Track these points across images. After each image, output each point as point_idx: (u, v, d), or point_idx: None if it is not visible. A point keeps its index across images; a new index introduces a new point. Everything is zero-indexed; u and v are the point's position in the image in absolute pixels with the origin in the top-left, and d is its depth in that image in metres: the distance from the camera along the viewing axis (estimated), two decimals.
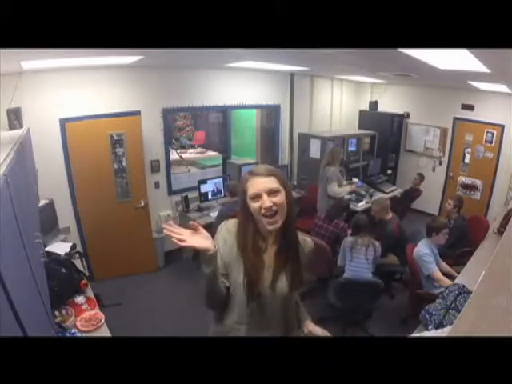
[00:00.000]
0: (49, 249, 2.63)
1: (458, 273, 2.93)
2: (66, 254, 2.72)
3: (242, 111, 5.82)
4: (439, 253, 3.11)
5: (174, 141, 6.44)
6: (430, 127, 5.98)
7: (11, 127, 2.80)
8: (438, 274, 2.85)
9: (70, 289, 2.42)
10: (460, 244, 3.69)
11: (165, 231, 1.10)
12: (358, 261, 3.09)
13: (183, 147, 6.75)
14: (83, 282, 2.53)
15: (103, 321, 2.22)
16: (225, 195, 4.47)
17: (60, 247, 2.82)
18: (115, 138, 3.76)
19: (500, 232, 3.48)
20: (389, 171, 6.20)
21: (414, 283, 3.10)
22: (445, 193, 5.92)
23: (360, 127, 6.38)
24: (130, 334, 2.88)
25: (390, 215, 3.75)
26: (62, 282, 2.33)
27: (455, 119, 5.67)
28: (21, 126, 2.85)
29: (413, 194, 5.26)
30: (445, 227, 3.04)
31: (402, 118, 6.23)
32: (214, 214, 4.19)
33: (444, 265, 3.11)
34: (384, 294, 3.58)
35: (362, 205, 4.83)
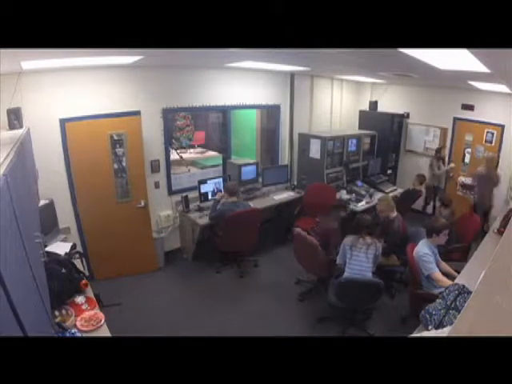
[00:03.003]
0: (49, 249, 2.63)
1: (457, 272, 2.93)
2: (66, 253, 2.72)
3: (242, 111, 5.81)
4: None
5: (173, 141, 6.43)
6: (430, 127, 5.98)
7: (11, 127, 2.79)
8: (438, 275, 2.85)
9: (70, 289, 2.42)
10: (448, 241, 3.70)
11: None
12: (358, 259, 3.09)
13: (183, 147, 6.74)
14: (83, 282, 2.53)
15: (103, 321, 2.22)
16: (218, 191, 4.47)
17: (60, 247, 2.82)
18: (115, 138, 3.76)
19: (500, 232, 3.48)
20: (389, 171, 6.20)
21: (413, 283, 3.11)
22: (445, 193, 5.91)
23: (360, 127, 6.38)
24: (130, 333, 2.88)
25: (395, 213, 3.76)
26: (62, 282, 2.33)
27: (455, 119, 5.67)
28: (21, 126, 2.85)
29: (413, 194, 5.26)
30: (445, 228, 3.04)
31: (402, 117, 6.23)
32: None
33: (444, 265, 3.11)
34: (384, 294, 3.61)
35: (361, 205, 4.83)
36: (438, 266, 2.97)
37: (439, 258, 3.10)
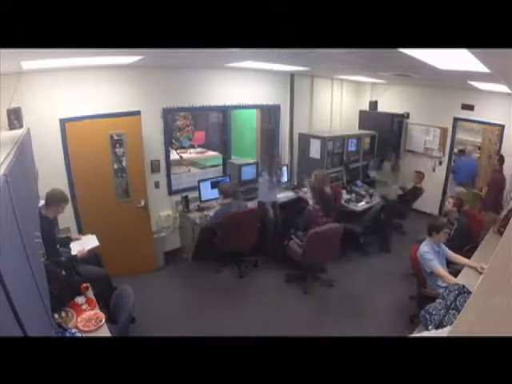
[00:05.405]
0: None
1: (458, 272, 2.93)
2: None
3: (242, 111, 5.81)
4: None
5: (173, 141, 6.42)
6: (429, 127, 5.98)
7: (11, 127, 2.79)
8: (440, 271, 2.86)
9: (71, 292, 2.41)
10: (465, 242, 3.70)
11: None
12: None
13: (183, 147, 6.73)
14: (84, 285, 2.51)
15: (103, 321, 2.22)
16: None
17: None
18: (115, 138, 3.76)
19: (500, 232, 3.48)
20: None
21: (419, 283, 3.14)
22: (445, 193, 5.91)
23: (360, 127, 6.38)
24: (129, 333, 2.87)
25: None
26: (62, 284, 2.31)
27: (455, 119, 5.67)
28: (21, 126, 2.85)
29: (415, 193, 5.25)
30: (445, 226, 3.05)
31: (402, 117, 6.22)
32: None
33: (459, 258, 3.09)
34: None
35: (361, 205, 4.83)
36: (442, 263, 2.98)
37: (449, 254, 3.10)
